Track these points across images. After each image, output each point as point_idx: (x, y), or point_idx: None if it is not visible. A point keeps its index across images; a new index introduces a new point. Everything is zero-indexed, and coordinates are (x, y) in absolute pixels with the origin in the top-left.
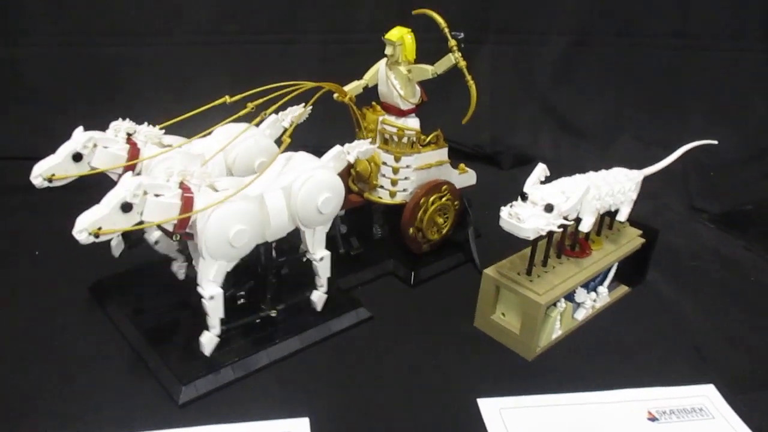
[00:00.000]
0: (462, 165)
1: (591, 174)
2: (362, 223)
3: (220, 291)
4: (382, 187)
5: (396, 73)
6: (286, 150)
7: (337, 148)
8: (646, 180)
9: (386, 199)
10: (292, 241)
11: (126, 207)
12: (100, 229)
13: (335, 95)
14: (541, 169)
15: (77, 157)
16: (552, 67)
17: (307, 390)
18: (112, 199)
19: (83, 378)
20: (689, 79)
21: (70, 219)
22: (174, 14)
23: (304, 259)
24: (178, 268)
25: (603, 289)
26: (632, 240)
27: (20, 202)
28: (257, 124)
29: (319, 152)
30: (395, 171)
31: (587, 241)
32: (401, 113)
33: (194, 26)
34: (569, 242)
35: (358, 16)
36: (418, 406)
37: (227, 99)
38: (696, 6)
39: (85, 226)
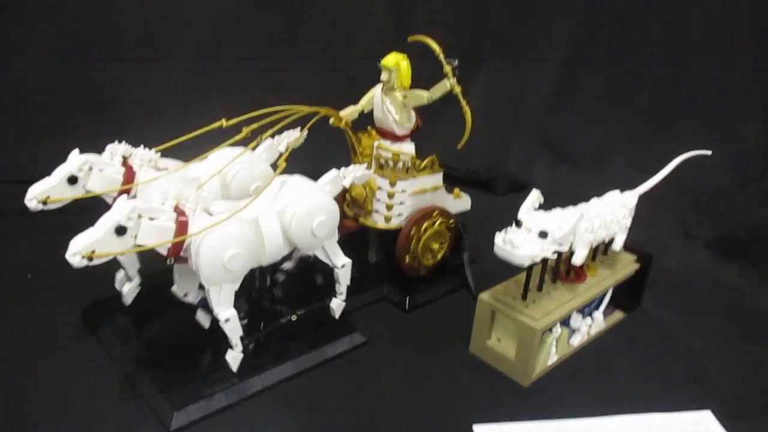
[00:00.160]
0: (457, 190)
1: (583, 206)
2: (357, 248)
3: (234, 312)
4: (377, 211)
5: (391, 98)
6: (284, 172)
7: (334, 171)
8: (640, 205)
9: (381, 224)
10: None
11: (120, 230)
12: (93, 252)
13: (331, 120)
14: (535, 196)
15: (72, 180)
16: (546, 93)
17: (300, 416)
18: (106, 222)
19: (74, 403)
20: (681, 104)
21: (64, 243)
22: (171, 39)
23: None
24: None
25: (598, 315)
26: (627, 265)
27: (13, 225)
28: (253, 148)
29: (315, 177)
30: (390, 196)
31: (582, 266)
32: (396, 138)
33: (192, 51)
34: (564, 267)
35: (354, 43)
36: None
37: (224, 123)
38: (687, 32)
39: (78, 249)
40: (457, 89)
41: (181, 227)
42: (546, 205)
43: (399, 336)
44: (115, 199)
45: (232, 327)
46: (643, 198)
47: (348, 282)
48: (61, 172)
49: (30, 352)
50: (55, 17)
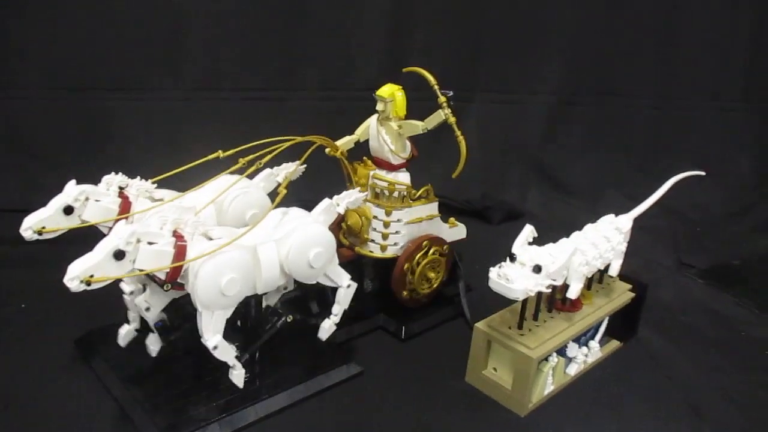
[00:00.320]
0: (452, 219)
1: (577, 237)
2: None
3: (220, 339)
4: (373, 241)
5: (387, 128)
6: (282, 201)
7: (326, 201)
8: (635, 235)
9: (377, 253)
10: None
11: (119, 255)
12: (92, 276)
13: (327, 150)
14: (528, 231)
15: (68, 210)
16: (539, 124)
17: None
18: (105, 246)
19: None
20: (673, 136)
21: (58, 271)
22: (170, 69)
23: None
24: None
25: (594, 344)
26: (622, 294)
27: (8, 254)
28: (249, 176)
29: (310, 206)
30: (386, 225)
31: None
32: (392, 168)
33: (190, 82)
34: (560, 296)
35: (350, 75)
36: None
37: (220, 154)
38: (678, 66)
39: (76, 274)
40: (452, 119)
41: (180, 252)
42: (540, 234)
43: (395, 365)
44: (110, 229)
45: (222, 352)
46: (637, 228)
47: (347, 305)
48: (57, 202)
49: (23, 380)
50: (52, 47)
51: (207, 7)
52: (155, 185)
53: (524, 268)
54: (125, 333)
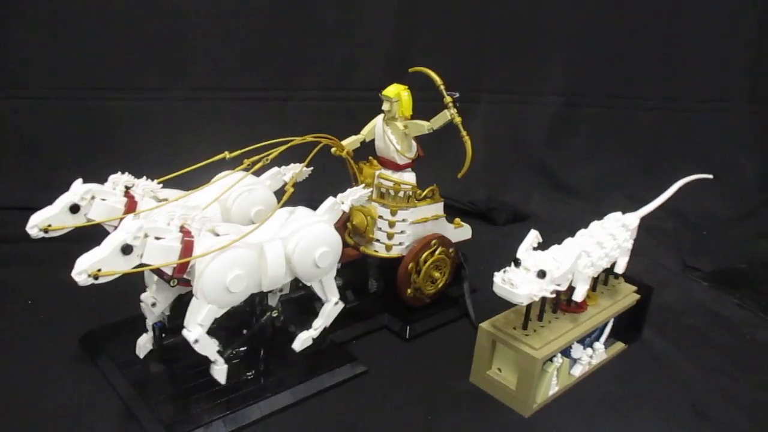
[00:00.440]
0: (457, 219)
1: (582, 238)
2: (358, 276)
3: (202, 332)
4: (378, 240)
5: (393, 128)
6: (288, 200)
7: (331, 199)
8: (640, 237)
9: (382, 252)
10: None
11: (126, 249)
12: (99, 270)
13: (333, 149)
14: (533, 236)
15: (74, 209)
16: (544, 126)
17: None
18: (112, 241)
19: (73, 430)
20: (677, 139)
21: (63, 269)
22: (174, 70)
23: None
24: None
25: (599, 346)
26: (627, 296)
27: (14, 251)
28: (253, 171)
29: (316, 206)
30: (391, 225)
31: None
32: (398, 167)
33: (194, 82)
34: (565, 297)
35: (356, 75)
36: None
37: (227, 155)
38: (682, 69)
39: (84, 268)
40: (458, 119)
41: (187, 247)
42: (545, 236)
43: (399, 365)
44: (116, 228)
45: (204, 346)
46: (642, 230)
47: (329, 322)
48: (64, 200)
49: (28, 377)
50: (55, 47)
51: (209, 7)
52: (161, 185)
53: (529, 274)
54: (144, 343)
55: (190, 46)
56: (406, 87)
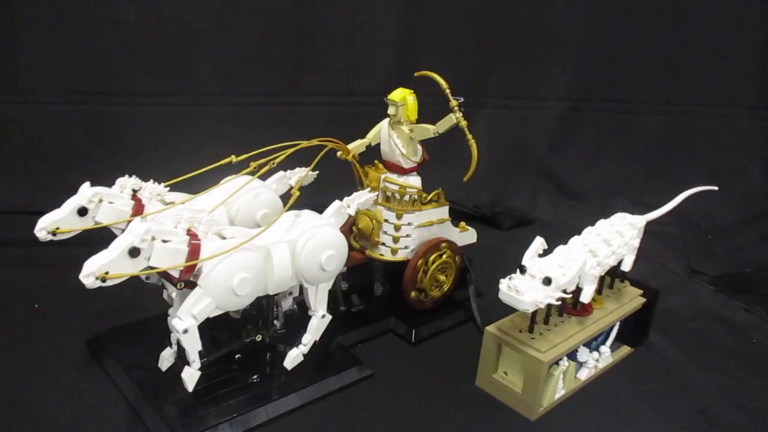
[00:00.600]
0: (462, 223)
1: (589, 236)
2: (363, 280)
3: (194, 323)
4: (383, 244)
5: (398, 132)
6: (293, 204)
7: (337, 203)
8: (645, 242)
9: (388, 256)
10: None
11: (134, 252)
12: (107, 273)
13: (339, 153)
14: (539, 243)
15: (82, 212)
16: (549, 130)
17: None
18: (120, 243)
19: None
20: (683, 144)
21: (70, 273)
22: (182, 75)
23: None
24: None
25: (605, 349)
26: (633, 299)
27: (20, 255)
28: (260, 176)
29: (321, 210)
30: (397, 228)
31: None
32: (403, 171)
33: (201, 87)
34: (571, 300)
35: (361, 79)
36: None
37: (233, 158)
38: (688, 74)
39: (92, 270)
40: (463, 123)
41: (194, 250)
42: (550, 241)
43: (405, 369)
44: (123, 231)
45: (191, 339)
46: (648, 235)
47: (318, 336)
48: (71, 203)
49: (35, 380)
50: (62, 52)
51: (216, 12)
52: (168, 188)
53: (534, 281)
54: (168, 356)
55: (197, 51)
56: (412, 91)
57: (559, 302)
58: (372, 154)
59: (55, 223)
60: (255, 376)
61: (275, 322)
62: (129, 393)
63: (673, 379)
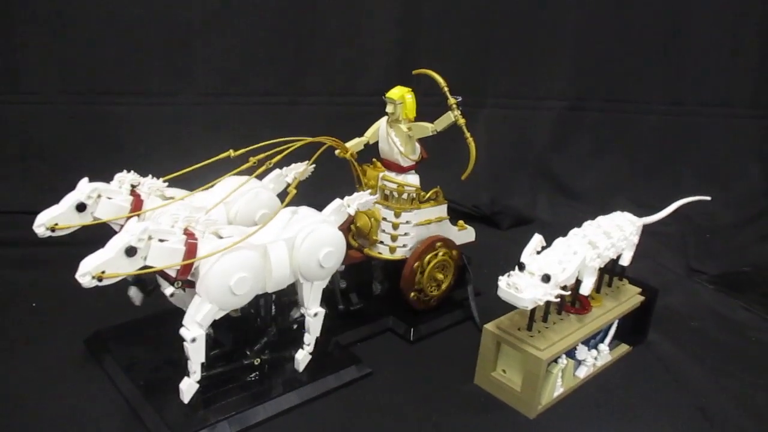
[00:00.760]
0: (461, 222)
1: (589, 228)
2: (362, 278)
3: (203, 333)
4: (382, 242)
5: (396, 130)
6: (291, 202)
7: (337, 201)
8: (644, 241)
9: (386, 254)
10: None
11: (130, 251)
12: (103, 272)
13: (337, 151)
14: (537, 240)
15: (81, 208)
16: (548, 130)
17: None
18: (117, 243)
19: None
20: (682, 144)
21: (68, 272)
22: (182, 75)
23: (294, 326)
24: None
25: (604, 347)
26: (632, 297)
27: (18, 254)
28: (259, 176)
29: (320, 208)
30: (395, 227)
31: (587, 297)
32: (401, 170)
33: (200, 87)
34: (569, 298)
35: (360, 78)
36: None
37: (231, 153)
38: (687, 74)
39: (88, 270)
40: (462, 121)
41: (191, 249)
42: (549, 241)
43: (404, 367)
44: (122, 227)
45: (197, 349)
46: (647, 233)
47: (318, 333)
48: (70, 199)
49: (33, 379)
50: (61, 52)
51: (216, 11)
52: (167, 184)
53: (533, 278)
54: (134, 294)
55: (197, 51)
56: (410, 89)
57: (558, 299)
58: (370, 152)
59: (54, 219)
60: (253, 374)
61: (273, 325)
62: (127, 391)
63: (672, 377)
